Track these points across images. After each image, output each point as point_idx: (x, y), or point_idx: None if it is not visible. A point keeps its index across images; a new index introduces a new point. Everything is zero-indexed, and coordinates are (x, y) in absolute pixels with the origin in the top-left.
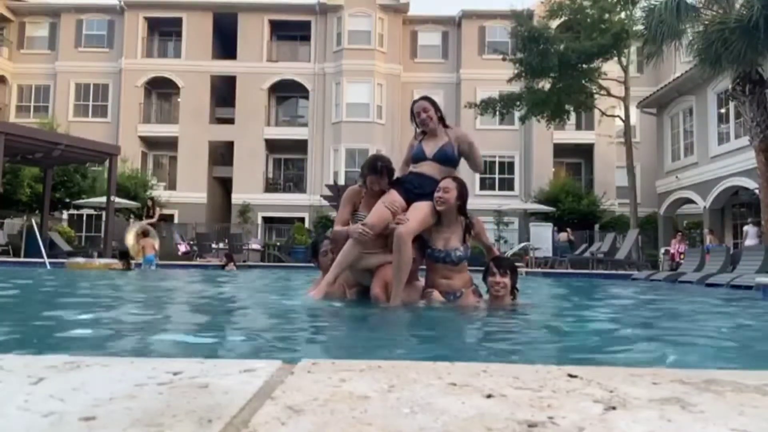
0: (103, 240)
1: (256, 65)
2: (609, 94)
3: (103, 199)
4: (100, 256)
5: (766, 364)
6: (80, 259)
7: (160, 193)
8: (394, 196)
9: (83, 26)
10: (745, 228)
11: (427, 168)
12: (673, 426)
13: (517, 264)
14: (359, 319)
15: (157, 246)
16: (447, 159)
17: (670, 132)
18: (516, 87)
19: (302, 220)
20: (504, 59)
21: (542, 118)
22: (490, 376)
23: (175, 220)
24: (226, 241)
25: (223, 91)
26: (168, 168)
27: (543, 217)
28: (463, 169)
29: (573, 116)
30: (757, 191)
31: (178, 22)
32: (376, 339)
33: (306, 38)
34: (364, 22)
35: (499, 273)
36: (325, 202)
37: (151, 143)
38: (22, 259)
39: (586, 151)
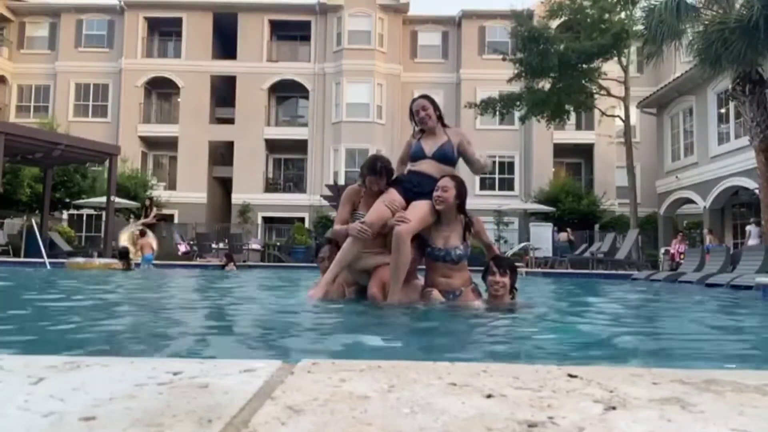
0: (103, 240)
1: (256, 65)
2: (609, 94)
3: (103, 199)
4: (100, 256)
5: (766, 364)
6: (80, 259)
7: (160, 193)
8: (393, 195)
9: (83, 26)
10: (748, 228)
11: (427, 166)
12: (673, 426)
13: (517, 264)
14: (359, 319)
15: (155, 245)
16: (446, 158)
17: (670, 132)
18: (516, 87)
19: (302, 220)
20: (504, 59)
21: (542, 118)
22: (490, 376)
23: (175, 220)
24: (226, 241)
25: (223, 91)
26: (168, 168)
27: (543, 217)
28: (463, 169)
29: (573, 116)
30: (757, 191)
31: (178, 22)
32: (376, 339)
33: (306, 38)
34: (364, 22)
35: (498, 272)
36: (325, 202)
37: (151, 143)
38: (22, 259)
39: (586, 151)
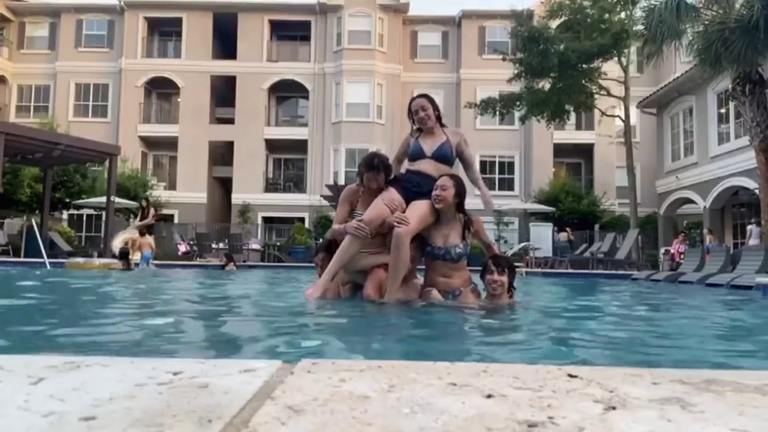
0: (103, 240)
1: (256, 65)
2: (609, 94)
3: (103, 199)
4: (100, 256)
5: (766, 364)
6: (80, 259)
7: (160, 193)
8: (392, 194)
9: (83, 26)
10: (749, 227)
11: (426, 166)
12: (673, 426)
13: (516, 264)
14: (359, 319)
15: (153, 245)
16: (445, 158)
17: (670, 132)
18: (516, 87)
19: (302, 220)
20: (504, 59)
21: (542, 118)
22: (490, 376)
23: (175, 220)
24: (226, 241)
25: (223, 91)
26: (168, 168)
27: (543, 217)
28: (462, 170)
29: (573, 116)
30: (757, 191)
31: (178, 22)
32: (376, 339)
33: (306, 38)
34: (364, 22)
35: (497, 271)
36: (325, 202)
37: (151, 143)
38: (22, 259)
39: (586, 151)
